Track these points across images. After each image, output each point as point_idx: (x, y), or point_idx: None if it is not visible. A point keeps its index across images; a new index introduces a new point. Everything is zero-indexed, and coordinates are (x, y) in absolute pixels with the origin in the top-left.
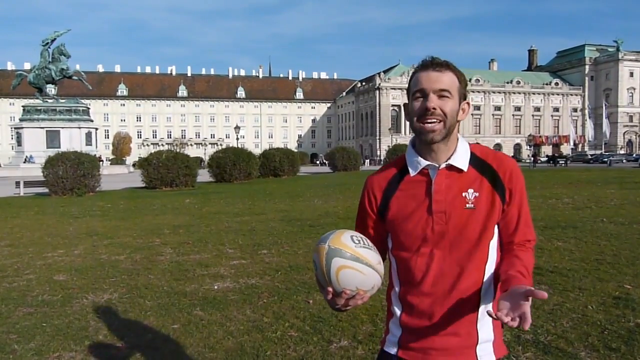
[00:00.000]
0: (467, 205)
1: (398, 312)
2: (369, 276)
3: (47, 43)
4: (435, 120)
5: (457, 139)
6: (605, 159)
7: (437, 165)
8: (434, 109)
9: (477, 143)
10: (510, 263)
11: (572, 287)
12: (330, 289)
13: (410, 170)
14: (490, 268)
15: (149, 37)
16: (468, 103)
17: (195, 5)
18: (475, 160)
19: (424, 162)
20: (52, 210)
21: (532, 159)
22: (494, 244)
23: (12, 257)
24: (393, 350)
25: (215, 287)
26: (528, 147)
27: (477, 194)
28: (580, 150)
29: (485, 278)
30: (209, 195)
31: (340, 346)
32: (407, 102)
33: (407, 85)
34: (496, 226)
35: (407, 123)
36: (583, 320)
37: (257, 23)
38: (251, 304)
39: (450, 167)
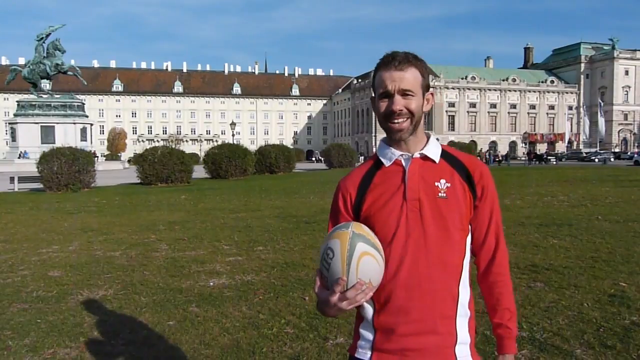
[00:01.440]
0: (440, 195)
1: (370, 312)
2: (381, 269)
3: (42, 38)
4: (402, 119)
5: (429, 136)
6: (594, 157)
7: (411, 155)
8: (400, 110)
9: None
10: (495, 306)
11: (567, 285)
12: (344, 278)
13: (384, 161)
14: (467, 264)
15: (145, 32)
16: (432, 94)
17: (190, 0)
18: (447, 155)
19: (397, 153)
20: (46, 206)
21: (527, 156)
22: (469, 240)
23: (6, 252)
24: (366, 356)
25: (211, 283)
26: (523, 145)
27: (449, 185)
28: (575, 148)
29: (463, 275)
30: (204, 192)
31: (337, 343)
32: (373, 97)
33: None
34: (470, 223)
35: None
36: (579, 318)
37: (253, 19)
38: (247, 301)
39: (424, 157)
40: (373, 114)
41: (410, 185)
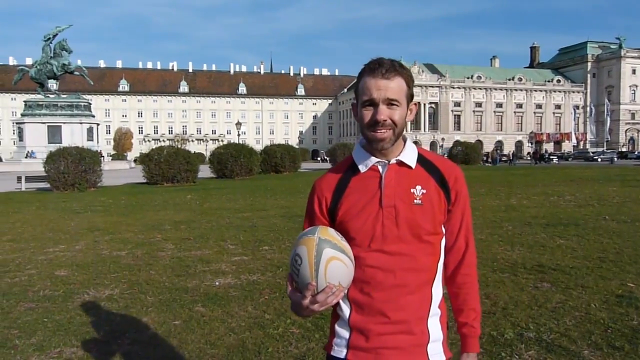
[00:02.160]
0: (415, 202)
1: (347, 312)
2: (350, 271)
3: (49, 38)
4: (385, 130)
5: (405, 139)
6: (597, 157)
7: (387, 161)
8: (385, 120)
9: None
10: (461, 306)
11: (574, 285)
12: (313, 283)
13: (360, 167)
14: (440, 266)
15: (151, 32)
16: (415, 104)
17: (196, 0)
18: (423, 160)
19: (373, 159)
20: (53, 205)
21: (533, 156)
22: (443, 242)
23: (13, 252)
24: (342, 354)
25: (217, 283)
26: (530, 145)
27: (424, 191)
28: (582, 147)
29: (437, 276)
30: (210, 191)
31: None
32: (355, 103)
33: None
34: (443, 226)
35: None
36: (586, 319)
37: (258, 19)
38: (253, 301)
39: (400, 163)
40: None
41: (386, 192)
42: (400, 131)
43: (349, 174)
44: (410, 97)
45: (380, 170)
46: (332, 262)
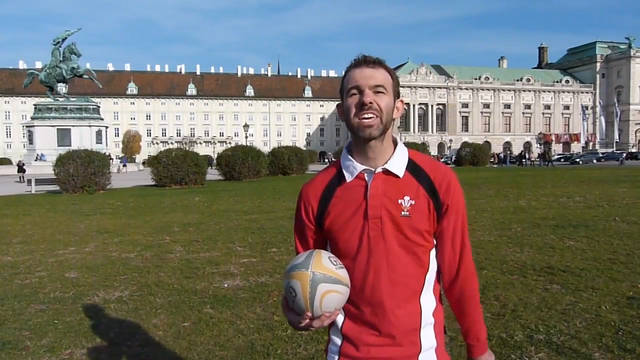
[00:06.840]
0: (403, 213)
1: (340, 320)
2: (345, 295)
3: (58, 42)
4: (372, 115)
5: (396, 144)
6: (578, 159)
7: (373, 170)
8: (371, 103)
9: (417, 150)
10: (461, 322)
11: (584, 287)
12: (309, 314)
13: (347, 176)
14: (431, 277)
15: (159, 36)
16: (402, 101)
17: (204, 4)
18: (413, 167)
19: (359, 167)
20: (63, 207)
21: (542, 157)
22: (434, 253)
23: (24, 254)
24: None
25: (225, 285)
26: (538, 146)
27: (412, 202)
28: (591, 148)
29: (425, 287)
30: (218, 194)
31: None
32: (340, 102)
33: (406, 83)
34: (434, 236)
35: (416, 121)
36: (597, 321)
37: (266, 21)
38: (261, 302)
39: (387, 172)
40: None
41: (371, 203)
42: (387, 121)
43: (335, 181)
44: (396, 92)
45: (367, 179)
46: (327, 295)
